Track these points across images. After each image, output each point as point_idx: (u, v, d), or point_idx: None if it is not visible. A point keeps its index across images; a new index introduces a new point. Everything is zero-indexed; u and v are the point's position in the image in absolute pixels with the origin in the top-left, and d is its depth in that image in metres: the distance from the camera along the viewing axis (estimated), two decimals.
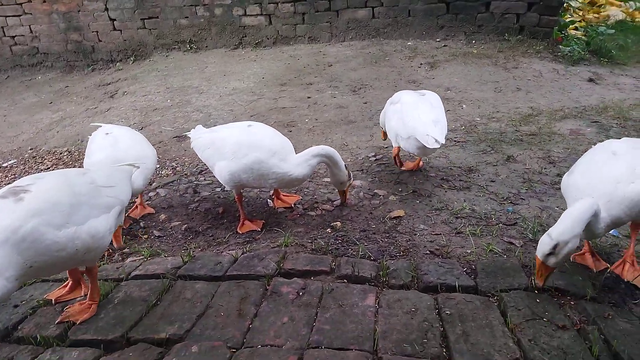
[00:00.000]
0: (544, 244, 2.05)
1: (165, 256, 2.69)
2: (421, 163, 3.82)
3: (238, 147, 2.86)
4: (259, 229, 3.04)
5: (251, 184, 2.98)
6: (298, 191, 3.57)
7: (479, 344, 1.85)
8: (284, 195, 3.40)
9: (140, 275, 2.43)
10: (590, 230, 2.13)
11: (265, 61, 7.57)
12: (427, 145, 3.11)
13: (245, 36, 8.41)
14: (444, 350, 1.85)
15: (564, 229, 2.02)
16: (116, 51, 9.00)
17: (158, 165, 4.22)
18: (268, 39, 8.34)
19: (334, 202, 3.36)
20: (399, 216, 3.13)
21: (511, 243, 2.74)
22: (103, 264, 2.71)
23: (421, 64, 6.77)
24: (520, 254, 2.55)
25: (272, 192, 3.44)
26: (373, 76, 6.45)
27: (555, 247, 2.02)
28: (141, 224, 3.21)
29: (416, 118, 3.29)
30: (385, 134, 3.82)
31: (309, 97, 5.88)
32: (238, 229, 3.05)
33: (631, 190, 2.12)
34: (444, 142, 3.16)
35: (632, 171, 2.17)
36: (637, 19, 9.47)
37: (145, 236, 3.07)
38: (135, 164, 2.61)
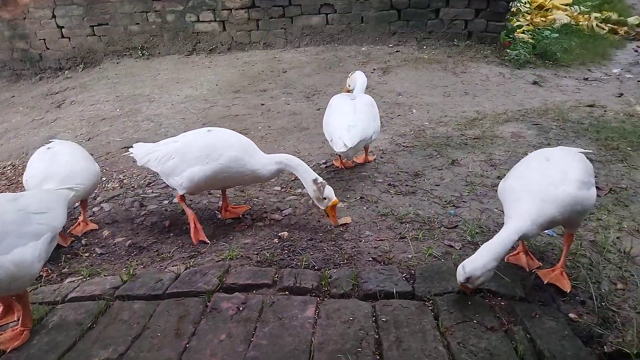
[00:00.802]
0: (459, 275, 2.14)
1: (105, 275, 2.64)
2: (369, 158, 4.06)
3: (211, 149, 2.89)
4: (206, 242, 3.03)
5: (223, 184, 3.08)
6: (247, 201, 3.57)
7: (410, 349, 1.90)
8: (232, 207, 3.39)
9: (77, 297, 2.37)
10: (524, 238, 2.24)
11: (220, 67, 7.52)
12: (335, 149, 3.45)
13: (199, 42, 8.33)
14: (378, 357, 1.89)
15: (477, 266, 2.09)
16: (65, 59, 8.73)
17: (104, 179, 4.12)
18: (222, 45, 8.29)
19: (283, 212, 3.37)
20: (346, 223, 3.18)
21: (451, 246, 2.82)
22: (40, 286, 2.63)
23: (374, 69, 6.88)
24: (457, 257, 2.64)
25: (219, 204, 3.42)
26: (327, 82, 6.51)
27: (468, 279, 2.12)
28: (83, 242, 3.13)
29: (335, 123, 3.61)
30: None
31: (262, 104, 5.88)
32: (193, 238, 3.05)
33: (562, 191, 2.23)
34: (352, 145, 3.37)
35: (564, 175, 2.29)
36: (580, 22, 9.93)
37: (87, 254, 3.00)
38: (74, 187, 2.55)
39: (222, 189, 3.30)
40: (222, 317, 2.15)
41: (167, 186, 3.88)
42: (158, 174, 3.20)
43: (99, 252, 3.00)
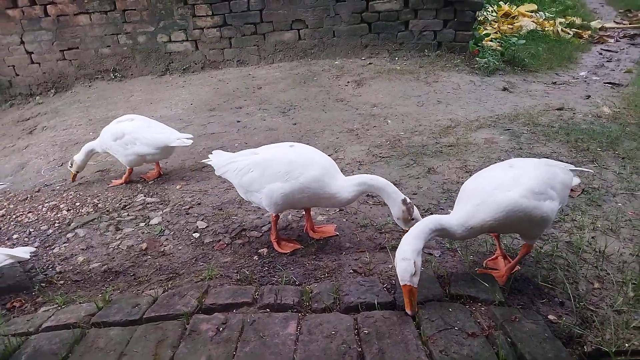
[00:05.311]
0: (408, 270, 2.08)
1: (80, 302, 2.57)
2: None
3: (292, 166, 2.75)
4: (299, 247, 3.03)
5: (301, 205, 2.95)
6: (226, 219, 3.51)
7: None
8: (318, 228, 3.24)
9: (51, 327, 2.29)
10: (448, 234, 2.29)
11: (194, 86, 7.49)
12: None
13: (172, 62, 8.30)
14: None
15: (398, 250, 2.14)
16: (35, 84, 8.58)
17: (78, 203, 4.04)
18: (196, 64, 8.27)
19: (262, 228, 3.34)
20: (331, 235, 3.17)
21: (430, 254, 2.84)
22: (13, 317, 2.54)
23: (348, 82, 6.95)
24: (436, 265, 2.65)
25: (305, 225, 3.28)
26: (302, 96, 6.54)
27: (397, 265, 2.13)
28: (57, 269, 3.05)
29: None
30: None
31: (238, 121, 5.86)
32: (280, 249, 3.00)
33: (504, 197, 2.21)
34: None
35: (515, 181, 2.26)
36: (546, 28, 10.23)
37: (62, 282, 2.91)
38: None
39: (304, 209, 3.20)
40: (202, 339, 2.11)
41: (144, 208, 3.82)
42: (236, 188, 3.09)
43: (73, 279, 2.92)
